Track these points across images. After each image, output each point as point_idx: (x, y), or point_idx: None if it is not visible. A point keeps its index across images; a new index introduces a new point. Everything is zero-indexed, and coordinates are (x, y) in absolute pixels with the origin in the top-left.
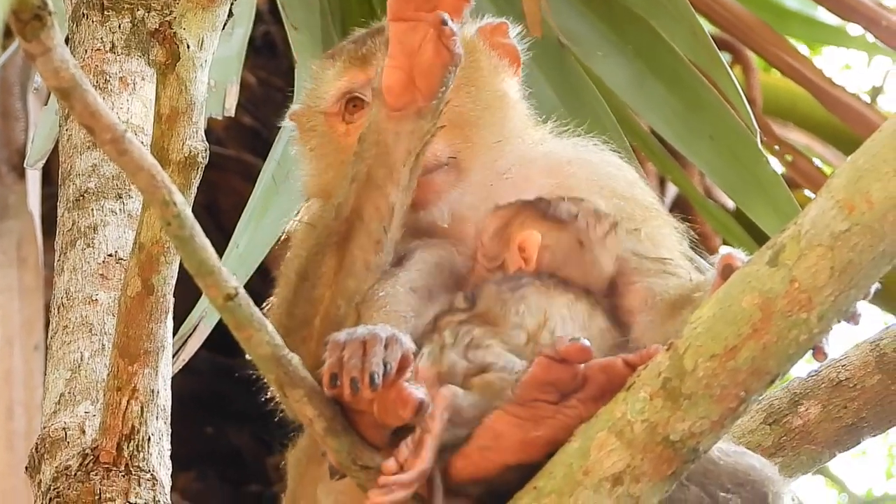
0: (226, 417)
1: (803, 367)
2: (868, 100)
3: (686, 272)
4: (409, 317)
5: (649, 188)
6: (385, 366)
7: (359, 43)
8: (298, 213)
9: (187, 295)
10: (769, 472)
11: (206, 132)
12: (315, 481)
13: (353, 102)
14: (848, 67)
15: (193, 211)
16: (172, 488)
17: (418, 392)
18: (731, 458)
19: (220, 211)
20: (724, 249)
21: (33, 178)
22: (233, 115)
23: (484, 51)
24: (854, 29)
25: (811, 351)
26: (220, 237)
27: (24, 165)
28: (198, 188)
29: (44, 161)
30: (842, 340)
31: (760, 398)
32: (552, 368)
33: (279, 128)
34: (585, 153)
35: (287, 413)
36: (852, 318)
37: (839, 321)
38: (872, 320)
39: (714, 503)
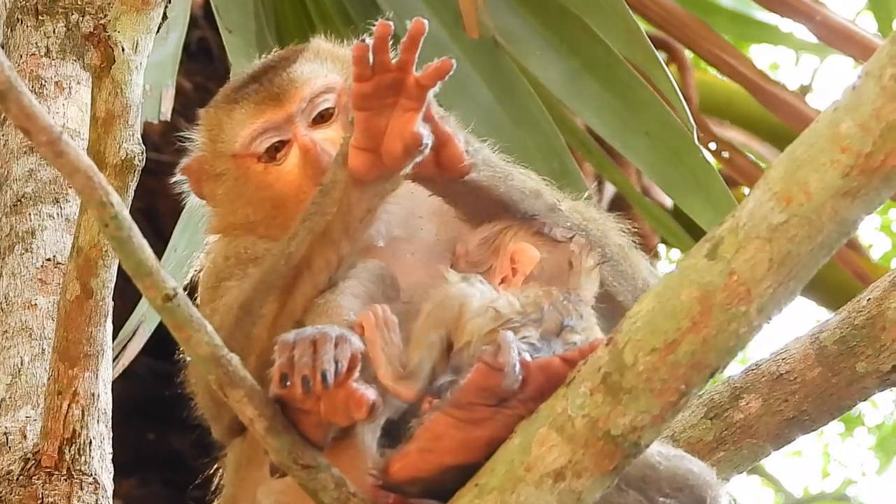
0: (167, 423)
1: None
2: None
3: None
4: (351, 320)
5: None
6: (336, 364)
7: (265, 82)
8: (205, 249)
9: (126, 300)
10: (707, 476)
11: (143, 138)
12: (255, 484)
13: (274, 145)
14: (776, 66)
15: (132, 216)
16: (115, 494)
17: (369, 392)
18: (670, 463)
19: (158, 216)
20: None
21: None
22: (169, 120)
23: None
24: (785, 26)
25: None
26: (159, 242)
27: None
28: (135, 193)
29: None
30: (782, 334)
31: (701, 392)
32: (490, 376)
33: None
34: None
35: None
36: None
37: (778, 313)
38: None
39: None
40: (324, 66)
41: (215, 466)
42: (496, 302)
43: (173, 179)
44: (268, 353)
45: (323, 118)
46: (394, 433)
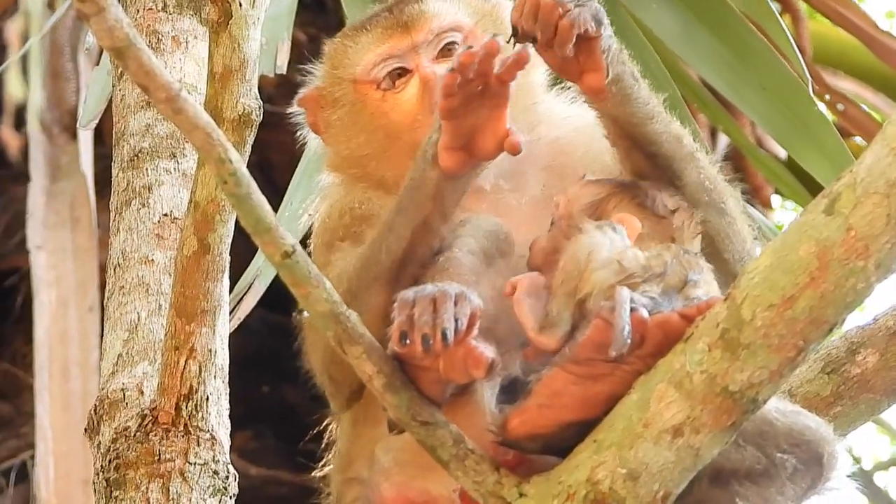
0: (282, 376)
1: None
2: None
3: None
4: (471, 280)
5: None
6: (456, 322)
7: (396, 11)
8: (321, 195)
9: (241, 253)
10: (824, 432)
11: (258, 90)
12: (371, 441)
13: (397, 70)
14: (891, 15)
15: (248, 170)
16: (230, 448)
17: (488, 350)
18: (787, 419)
19: (272, 168)
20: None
21: (86, 138)
22: (284, 73)
23: None
24: None
25: None
26: (274, 195)
27: (77, 126)
28: (251, 147)
29: (96, 122)
30: None
31: (818, 347)
32: (608, 332)
33: None
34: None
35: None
36: None
37: None
38: None
39: (771, 464)
40: (455, 5)
41: (327, 421)
42: (622, 255)
43: (290, 110)
44: (379, 341)
45: (446, 54)
46: (512, 390)
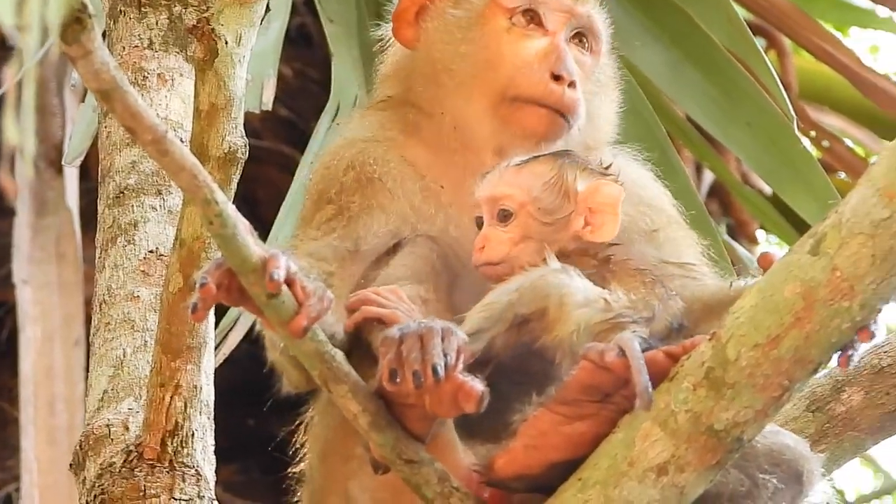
0: (267, 409)
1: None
2: None
3: (709, 279)
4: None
5: (674, 202)
6: (445, 357)
7: None
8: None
9: None
10: (802, 449)
11: (244, 125)
12: (345, 477)
13: (532, 15)
14: (875, 49)
15: (232, 203)
16: (215, 482)
17: (477, 384)
18: (766, 439)
19: (258, 203)
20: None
21: (71, 174)
22: (270, 109)
23: None
24: (882, 11)
25: (858, 333)
26: (260, 229)
27: (63, 162)
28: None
29: (82, 158)
30: (883, 327)
31: (803, 386)
32: (596, 374)
33: (316, 119)
34: (621, 162)
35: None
36: None
37: (881, 308)
38: None
39: (753, 485)
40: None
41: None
42: (606, 294)
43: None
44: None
45: (580, 40)
46: (466, 424)
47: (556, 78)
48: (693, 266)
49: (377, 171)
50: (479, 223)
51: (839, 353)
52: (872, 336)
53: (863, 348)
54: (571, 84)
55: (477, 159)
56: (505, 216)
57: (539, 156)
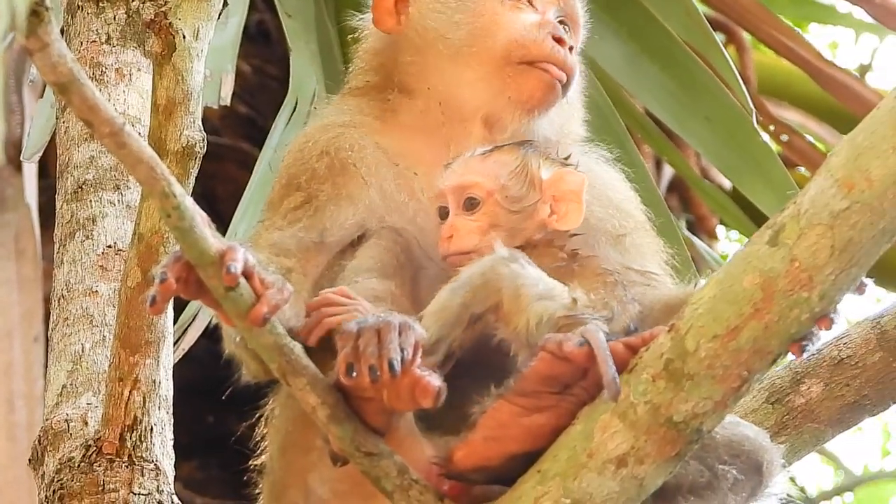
0: (226, 406)
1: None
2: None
3: (668, 288)
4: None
5: (641, 206)
6: (402, 351)
7: None
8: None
9: None
10: (762, 440)
11: (202, 121)
12: (304, 470)
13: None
14: (835, 45)
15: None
16: (175, 478)
17: (434, 379)
18: (726, 431)
19: (217, 199)
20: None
21: (30, 170)
22: (228, 104)
23: None
24: (842, 6)
25: (817, 322)
26: (219, 225)
27: (21, 159)
28: (195, 178)
29: (40, 154)
30: (842, 318)
31: (762, 377)
32: (555, 365)
33: (275, 116)
34: (592, 163)
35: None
36: (858, 288)
37: (840, 299)
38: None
39: (713, 476)
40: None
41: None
42: (564, 287)
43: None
44: None
45: (564, 28)
46: (426, 418)
47: (558, 41)
48: (655, 275)
49: (352, 157)
50: (443, 214)
51: (794, 341)
52: (832, 324)
53: (822, 338)
54: (571, 49)
55: (464, 131)
56: (472, 205)
57: (502, 146)
